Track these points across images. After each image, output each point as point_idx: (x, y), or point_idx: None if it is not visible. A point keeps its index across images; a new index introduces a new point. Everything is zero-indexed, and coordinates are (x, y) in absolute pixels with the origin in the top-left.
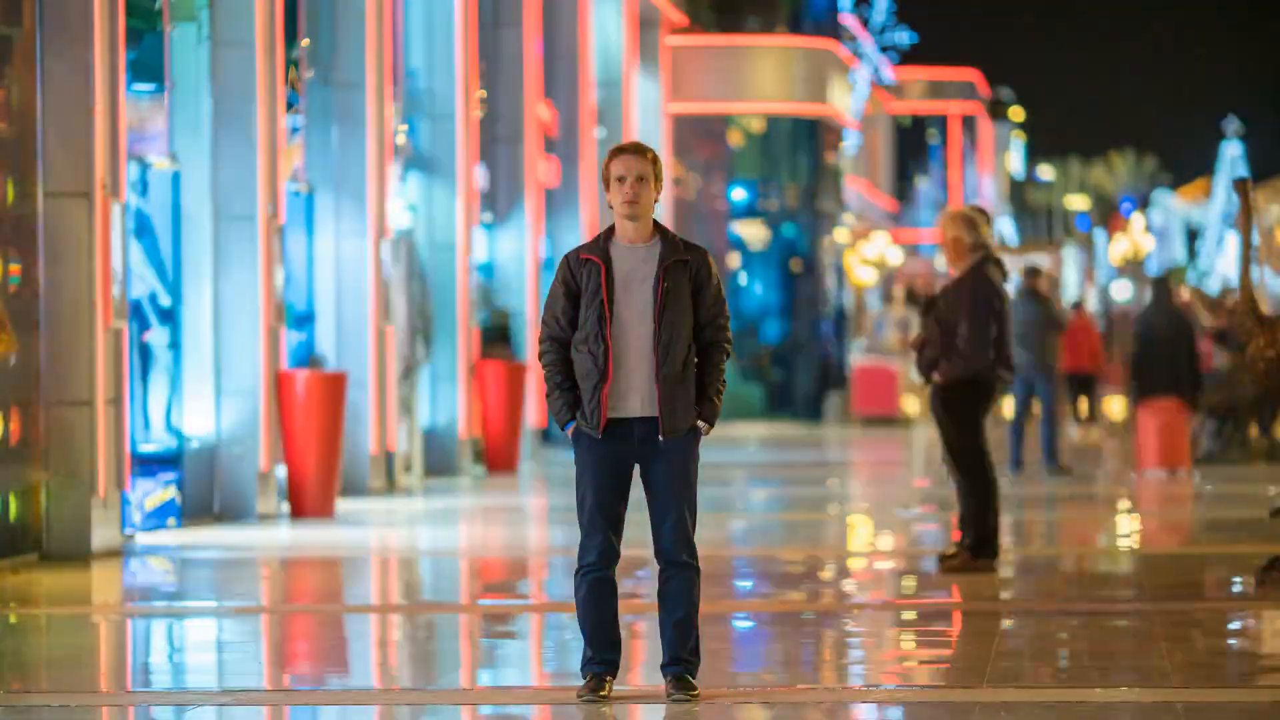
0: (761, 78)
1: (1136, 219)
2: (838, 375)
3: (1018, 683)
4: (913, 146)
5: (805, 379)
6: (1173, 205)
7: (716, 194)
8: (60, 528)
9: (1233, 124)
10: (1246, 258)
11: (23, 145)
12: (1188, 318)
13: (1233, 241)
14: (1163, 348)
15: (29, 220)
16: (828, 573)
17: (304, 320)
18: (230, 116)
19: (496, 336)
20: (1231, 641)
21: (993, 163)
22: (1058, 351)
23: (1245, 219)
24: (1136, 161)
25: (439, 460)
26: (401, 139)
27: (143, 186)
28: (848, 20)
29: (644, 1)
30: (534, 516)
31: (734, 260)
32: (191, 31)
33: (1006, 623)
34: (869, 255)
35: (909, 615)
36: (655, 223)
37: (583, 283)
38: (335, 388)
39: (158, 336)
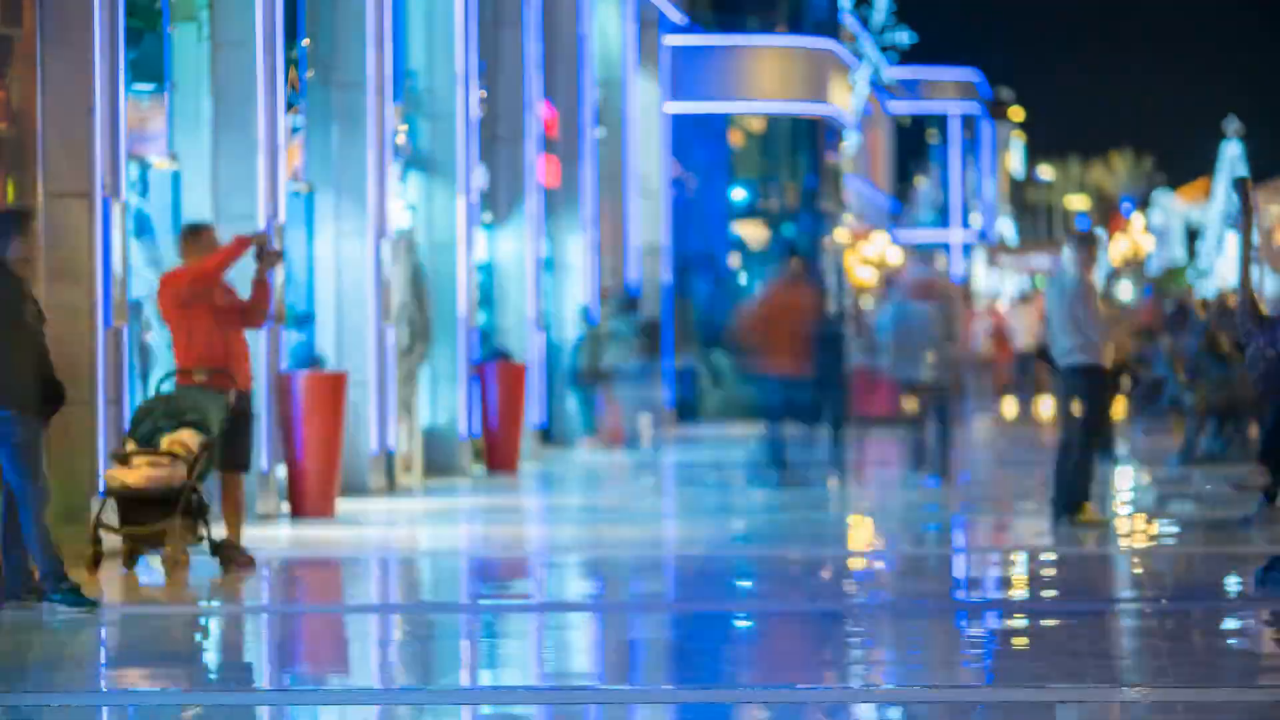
0: (761, 78)
1: (1136, 219)
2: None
3: (1018, 683)
4: (913, 146)
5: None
6: (1173, 205)
7: (716, 194)
8: (60, 527)
9: (1233, 124)
10: (1247, 258)
11: (23, 145)
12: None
13: (1233, 241)
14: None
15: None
16: (828, 573)
17: (304, 320)
18: (230, 116)
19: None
20: (1231, 641)
21: (992, 163)
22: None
23: (1246, 219)
24: (1136, 161)
25: (439, 460)
26: (401, 139)
27: (143, 186)
28: (848, 20)
29: (644, 1)
30: (534, 516)
31: (734, 260)
32: (191, 31)
33: (1006, 622)
34: (869, 255)
35: (910, 615)
36: None
37: None
38: (335, 388)
39: (158, 336)
